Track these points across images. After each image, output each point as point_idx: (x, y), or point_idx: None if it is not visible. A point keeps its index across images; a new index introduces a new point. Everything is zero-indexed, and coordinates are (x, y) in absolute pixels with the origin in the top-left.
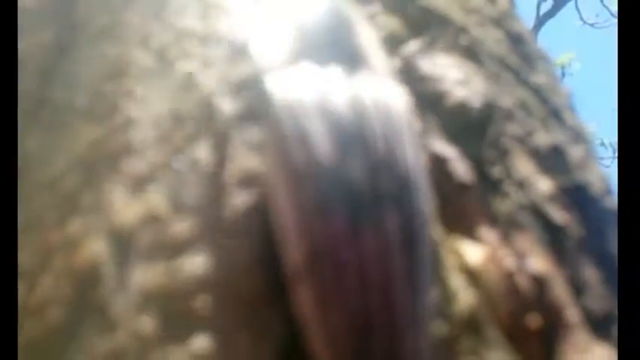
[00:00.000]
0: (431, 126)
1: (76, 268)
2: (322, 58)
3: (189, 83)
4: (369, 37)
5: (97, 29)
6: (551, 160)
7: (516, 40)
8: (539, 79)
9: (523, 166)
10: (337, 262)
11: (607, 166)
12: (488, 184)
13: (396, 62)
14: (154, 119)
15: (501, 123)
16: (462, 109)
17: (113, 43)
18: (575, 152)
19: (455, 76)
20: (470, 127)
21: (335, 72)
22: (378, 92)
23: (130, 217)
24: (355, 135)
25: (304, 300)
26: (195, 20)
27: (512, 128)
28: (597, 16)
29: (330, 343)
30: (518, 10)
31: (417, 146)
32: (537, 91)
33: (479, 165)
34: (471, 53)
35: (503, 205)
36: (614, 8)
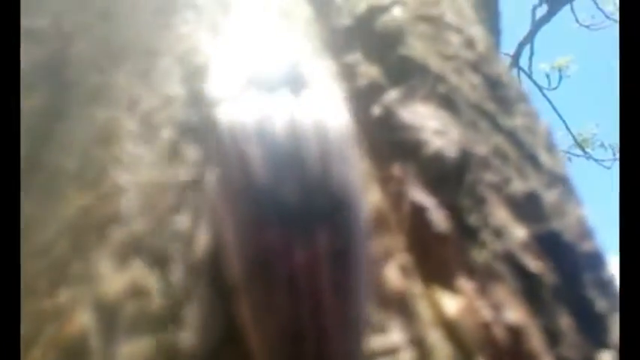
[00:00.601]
0: (410, 174)
1: (65, 340)
2: (270, 86)
3: (173, 151)
4: (318, 68)
5: (87, 91)
6: (527, 208)
7: (493, 84)
8: (515, 121)
9: (499, 214)
10: (270, 275)
11: (608, 168)
12: (466, 233)
13: (377, 110)
14: (140, 187)
15: (477, 171)
16: (439, 158)
17: (102, 105)
18: (550, 197)
19: (433, 126)
20: (447, 175)
21: (279, 98)
22: (319, 115)
23: (116, 289)
24: (291, 156)
25: (243, 308)
26: (178, 85)
27: (489, 176)
28: (593, 17)
29: (265, 347)
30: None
31: (353, 166)
32: (513, 136)
33: (456, 213)
34: (449, 102)
35: (481, 255)
36: (609, 9)
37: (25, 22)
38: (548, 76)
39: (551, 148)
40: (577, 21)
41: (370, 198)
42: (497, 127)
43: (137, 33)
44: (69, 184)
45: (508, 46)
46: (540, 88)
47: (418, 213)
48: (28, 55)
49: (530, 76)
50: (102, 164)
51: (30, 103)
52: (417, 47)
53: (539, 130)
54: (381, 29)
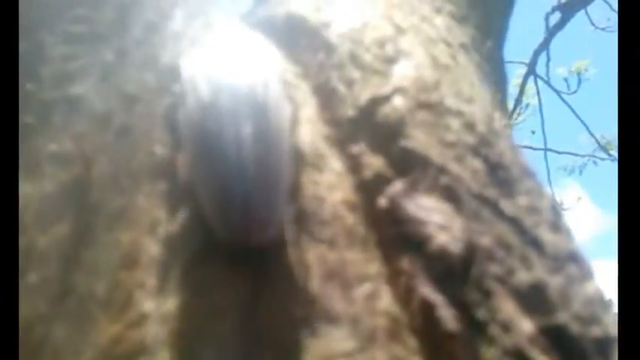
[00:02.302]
0: (418, 269)
1: None
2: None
3: (192, 279)
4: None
5: (110, 213)
6: (532, 299)
7: (494, 166)
8: (518, 203)
9: (506, 307)
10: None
11: None
12: (475, 329)
13: (383, 202)
14: (164, 315)
15: (483, 264)
16: (444, 254)
17: (125, 229)
18: (555, 283)
19: (437, 220)
20: (453, 270)
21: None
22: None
23: None
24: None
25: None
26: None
27: (494, 268)
28: (609, 19)
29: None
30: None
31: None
32: (516, 222)
33: (464, 308)
34: (451, 193)
35: (489, 351)
36: None
37: (50, 146)
38: (566, 80)
39: (555, 223)
40: (592, 24)
41: (381, 302)
42: (500, 215)
43: (153, 150)
44: (99, 309)
45: (523, 54)
46: (559, 94)
47: (428, 310)
48: (55, 179)
49: (548, 83)
50: (128, 290)
51: (59, 229)
52: (418, 138)
53: (543, 207)
54: (383, 120)
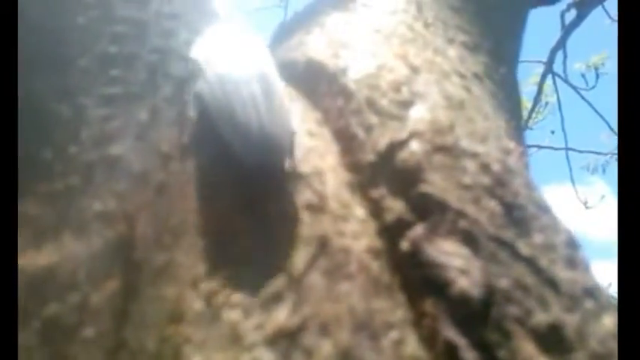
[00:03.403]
0: (440, 312)
1: None
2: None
3: (234, 334)
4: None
5: (154, 269)
6: (550, 339)
7: (510, 206)
8: (534, 241)
9: (526, 348)
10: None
11: None
12: None
13: (405, 245)
14: None
15: (502, 306)
16: (465, 298)
17: (169, 284)
18: (571, 323)
19: (457, 265)
20: (474, 313)
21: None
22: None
23: None
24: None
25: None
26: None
27: (513, 310)
28: None
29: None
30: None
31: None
32: (532, 263)
33: (486, 349)
34: (469, 237)
35: None
36: None
37: (95, 206)
38: (584, 76)
39: (571, 258)
40: (610, 17)
41: (408, 348)
42: (517, 256)
43: (189, 208)
44: None
45: (540, 52)
46: (578, 91)
47: (452, 352)
48: (102, 237)
49: (566, 80)
50: (176, 344)
51: (110, 286)
52: (436, 182)
53: (559, 242)
54: (401, 164)
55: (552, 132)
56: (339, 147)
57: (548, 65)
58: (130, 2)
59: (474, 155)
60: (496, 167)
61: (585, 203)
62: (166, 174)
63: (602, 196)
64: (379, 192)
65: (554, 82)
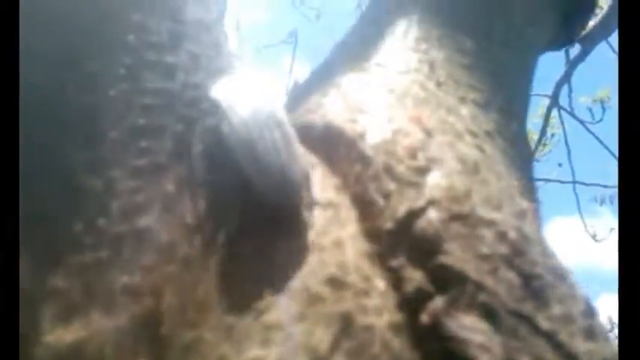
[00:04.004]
0: None
1: None
2: None
3: None
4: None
5: (181, 346)
6: None
7: (528, 277)
8: (553, 313)
9: None
10: None
11: None
12: None
13: (425, 319)
14: None
15: None
16: None
17: None
18: None
19: (477, 340)
20: None
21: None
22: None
23: None
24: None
25: None
26: (257, 348)
27: None
28: None
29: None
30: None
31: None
32: (551, 337)
33: None
34: (489, 310)
35: None
36: None
37: (122, 279)
38: (590, 110)
39: (590, 329)
40: (614, 51)
41: None
42: (536, 330)
43: (213, 281)
44: None
45: (545, 85)
46: (584, 124)
47: None
48: (128, 312)
49: (572, 114)
50: None
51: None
52: (454, 253)
53: (577, 312)
54: (420, 233)
55: (560, 165)
56: (358, 212)
57: (554, 99)
58: (158, 74)
59: (491, 223)
60: (512, 235)
61: (594, 236)
62: (191, 247)
63: (612, 229)
64: (398, 262)
65: (560, 116)
